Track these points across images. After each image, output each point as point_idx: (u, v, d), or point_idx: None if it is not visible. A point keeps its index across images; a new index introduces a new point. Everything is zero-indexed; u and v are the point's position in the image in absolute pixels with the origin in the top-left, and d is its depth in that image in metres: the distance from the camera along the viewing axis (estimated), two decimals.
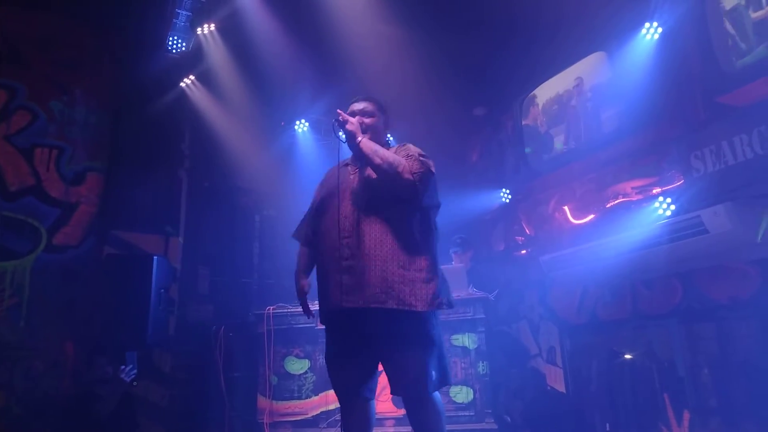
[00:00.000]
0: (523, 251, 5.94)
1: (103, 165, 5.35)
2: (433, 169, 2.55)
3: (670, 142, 4.43)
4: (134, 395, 4.51)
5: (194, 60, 5.74)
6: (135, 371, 4.09)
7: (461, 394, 4.16)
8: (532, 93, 5.92)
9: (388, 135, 2.81)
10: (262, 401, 4.50)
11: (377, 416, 4.21)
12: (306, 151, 6.65)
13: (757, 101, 3.81)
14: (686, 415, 4.09)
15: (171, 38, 5.51)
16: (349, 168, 2.69)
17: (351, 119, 2.56)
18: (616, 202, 4.75)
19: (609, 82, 5.03)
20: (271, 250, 6.30)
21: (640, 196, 4.56)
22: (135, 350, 4.38)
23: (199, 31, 5.56)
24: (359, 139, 2.51)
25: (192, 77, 5.86)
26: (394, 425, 4.20)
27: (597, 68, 5.20)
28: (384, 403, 4.27)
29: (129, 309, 4.36)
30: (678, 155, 4.33)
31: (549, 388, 5.13)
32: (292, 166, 6.55)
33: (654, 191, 4.46)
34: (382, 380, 4.27)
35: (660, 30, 4.49)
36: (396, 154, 2.56)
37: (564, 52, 5.32)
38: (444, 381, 2.51)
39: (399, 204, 2.48)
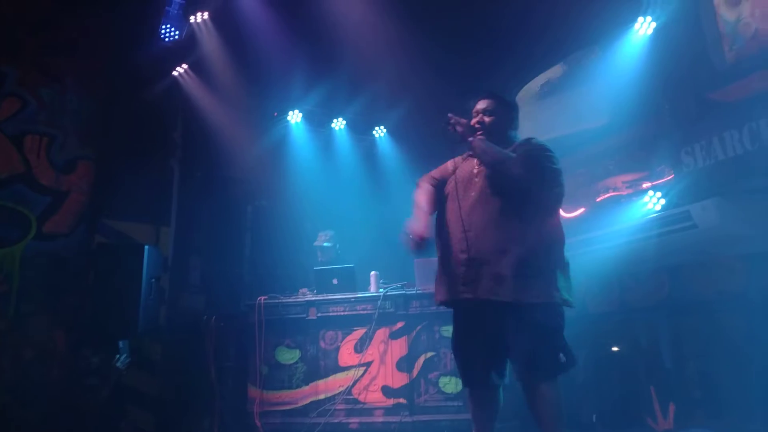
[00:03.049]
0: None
1: (95, 153, 5.32)
2: (553, 164, 2.57)
3: (660, 137, 4.46)
4: (123, 384, 4.51)
5: (187, 48, 5.70)
6: (129, 360, 4.10)
7: (450, 384, 4.19)
8: (526, 85, 5.93)
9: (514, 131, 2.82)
10: (253, 391, 4.52)
11: (366, 406, 4.28)
12: (299, 141, 6.66)
13: (748, 97, 3.84)
14: (672, 407, 4.14)
15: (164, 26, 5.47)
16: (474, 162, 2.73)
17: (461, 121, 2.65)
18: (607, 196, 4.78)
19: (601, 76, 5.04)
20: (263, 241, 6.30)
21: (630, 191, 4.59)
22: (126, 339, 4.39)
23: (192, 19, 5.53)
24: (470, 139, 2.60)
25: (185, 66, 5.82)
26: (384, 415, 4.23)
27: (589, 62, 5.21)
28: (374, 393, 4.30)
29: (119, 298, 4.35)
30: (669, 150, 4.36)
31: None
32: (284, 157, 6.55)
33: (644, 186, 4.49)
34: (372, 370, 4.34)
35: (653, 25, 4.51)
36: (517, 149, 2.60)
37: (557, 46, 5.32)
38: (566, 366, 2.48)
39: (520, 198, 2.52)
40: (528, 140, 2.69)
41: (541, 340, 2.43)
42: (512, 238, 2.48)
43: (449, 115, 2.65)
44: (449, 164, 2.88)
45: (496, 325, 2.49)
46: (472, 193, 2.63)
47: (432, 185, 2.82)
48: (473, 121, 2.75)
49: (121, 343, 4.14)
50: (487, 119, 2.73)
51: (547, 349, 2.43)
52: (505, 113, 2.79)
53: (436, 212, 2.79)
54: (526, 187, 2.50)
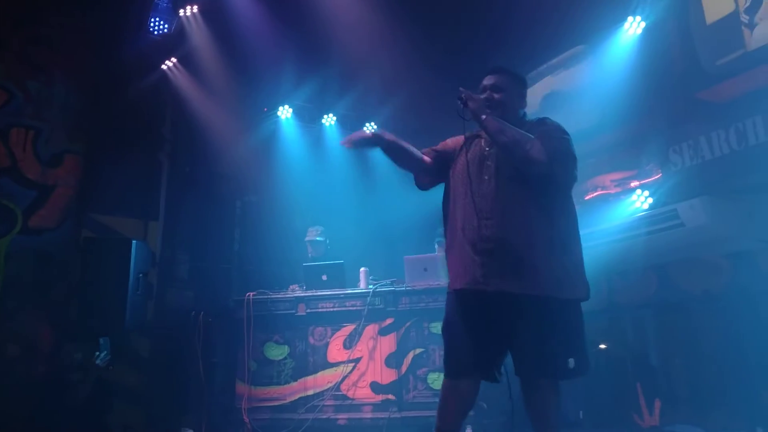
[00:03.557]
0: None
1: (82, 147, 5.27)
2: (571, 147, 2.39)
3: (649, 136, 4.48)
4: (108, 380, 4.48)
5: (176, 42, 5.66)
6: (109, 357, 4.05)
7: (438, 380, 4.19)
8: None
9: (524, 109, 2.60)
10: (241, 387, 4.50)
11: (355, 402, 4.28)
12: (289, 137, 6.62)
13: (735, 98, 3.87)
14: (657, 404, 4.18)
15: (153, 19, 5.42)
16: (483, 142, 2.52)
17: (474, 96, 2.40)
18: (595, 194, 4.81)
19: (590, 75, 5.06)
20: (251, 237, 6.28)
21: (618, 189, 4.62)
22: (109, 335, 4.35)
23: (181, 12, 5.49)
24: (483, 117, 2.34)
25: (174, 60, 5.78)
26: (372, 411, 4.24)
27: (578, 61, 5.23)
28: (362, 389, 4.31)
29: (106, 293, 4.33)
30: (657, 149, 4.39)
31: None
32: (274, 153, 6.52)
33: (632, 184, 4.52)
34: (361, 366, 4.34)
35: (642, 25, 4.53)
36: (532, 130, 2.37)
37: (546, 45, 5.33)
38: (582, 370, 2.30)
39: (538, 184, 2.31)
40: (543, 120, 2.49)
41: (561, 339, 2.25)
42: (539, 228, 2.30)
43: (461, 89, 2.40)
44: (450, 142, 2.66)
45: (511, 317, 2.30)
46: (486, 177, 2.41)
47: (430, 158, 2.60)
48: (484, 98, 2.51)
49: (101, 340, 4.08)
50: (496, 96, 2.49)
51: (564, 350, 2.25)
52: (516, 89, 2.57)
53: (444, 197, 2.59)
54: (546, 173, 2.28)
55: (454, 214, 2.48)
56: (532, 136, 2.32)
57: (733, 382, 3.80)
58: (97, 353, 4.02)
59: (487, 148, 2.48)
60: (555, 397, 2.30)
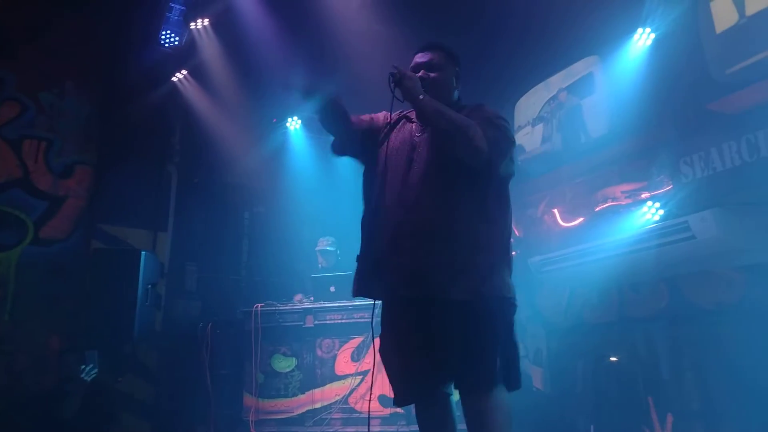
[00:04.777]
0: (513, 252, 5.94)
1: (93, 158, 5.31)
2: (511, 136, 2.19)
3: (659, 147, 4.46)
4: (104, 392, 4.45)
5: (187, 54, 5.71)
6: (96, 371, 4.00)
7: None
8: (524, 95, 5.94)
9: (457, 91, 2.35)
10: (248, 399, 4.49)
11: (363, 415, 4.24)
12: (298, 148, 6.63)
13: (746, 109, 3.84)
14: (669, 418, 4.12)
15: (164, 32, 5.48)
16: (414, 127, 2.27)
17: (409, 74, 2.12)
18: (606, 205, 4.78)
19: (600, 86, 5.06)
20: (260, 248, 6.28)
21: (629, 201, 4.58)
22: (117, 346, 4.35)
23: (192, 25, 5.54)
24: (420, 98, 2.07)
25: (184, 72, 5.83)
26: (381, 424, 4.20)
27: (589, 72, 5.22)
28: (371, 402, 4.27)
29: (116, 304, 4.34)
30: (667, 160, 4.36)
31: (535, 389, 5.15)
32: (283, 164, 6.53)
33: (643, 196, 4.48)
34: (369, 379, 4.30)
35: (653, 36, 4.52)
36: (471, 115, 2.14)
37: (556, 56, 5.34)
38: (510, 382, 2.04)
39: (473, 174, 2.08)
40: (481, 105, 2.24)
41: (491, 341, 2.01)
42: (467, 223, 2.06)
43: (394, 66, 2.10)
44: (381, 116, 2.37)
45: (440, 322, 2.04)
46: (415, 165, 2.15)
47: (357, 126, 2.31)
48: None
49: (87, 353, 4.02)
50: (432, 75, 2.23)
51: (493, 353, 2.00)
52: (452, 68, 2.31)
53: (363, 182, 2.33)
54: (486, 162, 2.04)
55: (373, 203, 2.22)
56: (473, 122, 2.07)
57: (747, 397, 3.73)
58: (83, 366, 3.97)
59: (417, 134, 2.23)
60: (497, 415, 1.98)
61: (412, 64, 2.30)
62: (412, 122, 2.29)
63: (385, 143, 2.25)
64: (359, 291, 2.23)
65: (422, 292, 2.05)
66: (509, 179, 2.23)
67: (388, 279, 2.11)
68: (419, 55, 2.31)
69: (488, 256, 2.09)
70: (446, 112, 2.08)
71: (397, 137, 2.27)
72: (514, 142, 2.20)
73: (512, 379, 2.05)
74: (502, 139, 2.12)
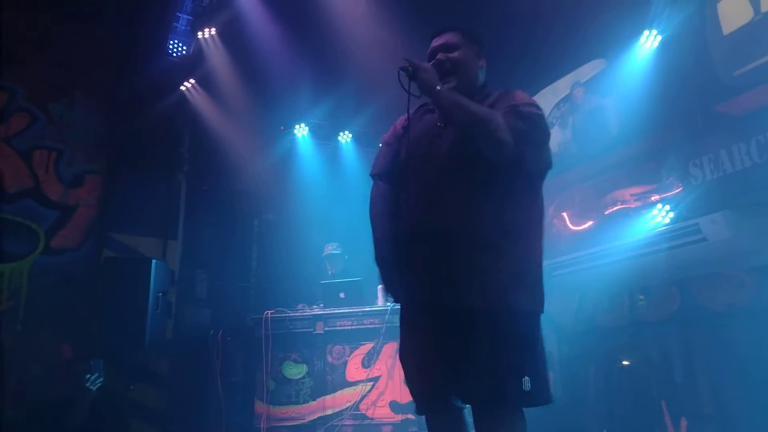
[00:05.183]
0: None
1: (103, 167, 5.35)
2: (544, 125, 1.97)
3: (668, 149, 4.44)
4: (115, 400, 4.46)
5: (195, 64, 5.76)
6: (101, 380, 4.00)
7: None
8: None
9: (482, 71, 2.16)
10: (260, 406, 4.49)
11: (374, 421, 4.24)
12: (305, 155, 6.67)
13: (755, 110, 3.83)
14: (683, 422, 4.09)
15: (172, 42, 5.52)
16: (436, 116, 2.09)
17: (424, 65, 1.97)
18: (615, 208, 4.76)
19: (608, 88, 5.05)
20: (269, 255, 6.29)
21: (638, 203, 4.57)
22: (129, 354, 4.36)
23: (200, 35, 5.58)
24: (438, 88, 1.91)
25: (192, 81, 5.87)
26: (392, 431, 4.19)
27: (587, 79, 5.22)
28: (382, 408, 4.27)
29: (127, 312, 4.36)
30: (677, 163, 4.34)
31: None
32: (291, 171, 6.56)
33: (653, 198, 4.47)
34: (380, 385, 4.30)
35: (659, 38, 4.52)
36: (497, 104, 1.97)
37: (563, 59, 5.34)
38: (539, 397, 1.86)
39: (499, 170, 1.89)
40: (509, 92, 2.02)
41: (516, 356, 1.84)
42: (491, 225, 1.88)
43: (406, 59, 1.95)
44: (398, 125, 2.22)
45: (453, 333, 1.88)
46: (436, 163, 1.98)
47: (385, 181, 2.17)
48: (438, 60, 2.07)
49: (93, 362, 4.01)
50: (450, 55, 2.05)
51: (517, 371, 1.82)
52: (473, 46, 2.12)
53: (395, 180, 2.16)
54: (513, 157, 1.86)
55: (401, 211, 2.07)
56: (497, 113, 1.89)
57: (761, 399, 3.70)
58: (88, 375, 3.97)
59: (439, 123, 2.05)
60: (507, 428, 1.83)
61: (429, 51, 2.14)
62: (434, 112, 2.11)
63: (406, 137, 2.11)
64: (386, 290, 2.14)
65: (435, 300, 1.91)
66: (543, 174, 2.01)
67: (405, 283, 2.00)
68: (435, 39, 2.13)
69: (514, 263, 1.87)
70: (465, 104, 1.90)
71: (417, 128, 2.11)
72: (547, 132, 1.98)
73: (542, 396, 1.86)
74: (531, 129, 1.90)
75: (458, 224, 1.90)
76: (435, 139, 2.03)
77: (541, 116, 1.96)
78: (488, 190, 1.91)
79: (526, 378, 1.81)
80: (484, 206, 1.90)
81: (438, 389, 1.92)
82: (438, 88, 1.92)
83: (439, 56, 2.06)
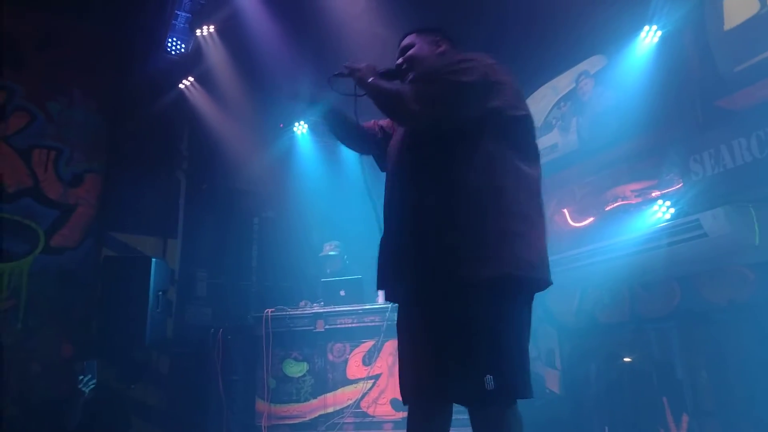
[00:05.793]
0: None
1: (102, 166, 5.34)
2: (459, 81, 1.82)
3: (669, 145, 4.43)
4: (116, 399, 4.45)
5: (193, 61, 5.73)
6: (94, 381, 3.98)
7: None
8: (531, 96, 5.92)
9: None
10: (261, 404, 4.49)
11: (375, 419, 4.24)
12: (305, 152, 6.65)
13: (755, 105, 3.82)
14: (685, 418, 4.08)
15: (170, 39, 5.50)
16: None
17: (356, 65, 2.03)
18: (616, 205, 4.75)
19: (608, 84, 5.04)
20: (269, 253, 6.28)
21: (639, 199, 4.56)
22: (130, 353, 4.35)
23: (198, 32, 5.56)
24: (368, 81, 1.96)
25: (191, 79, 5.85)
26: (393, 428, 4.19)
27: (596, 70, 5.20)
28: (383, 406, 4.27)
29: (127, 311, 4.36)
30: (677, 158, 4.33)
31: (547, 391, 5.12)
32: (291, 168, 6.54)
33: (653, 194, 4.46)
34: (380, 383, 4.30)
35: (659, 33, 4.50)
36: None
37: (562, 55, 5.32)
38: (509, 391, 1.70)
39: (441, 143, 1.84)
40: (442, 56, 2.11)
41: (481, 348, 1.68)
42: (436, 199, 1.80)
43: (344, 65, 2.05)
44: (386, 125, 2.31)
45: (425, 324, 1.83)
46: (399, 153, 2.03)
47: (375, 132, 2.26)
48: (396, 64, 2.16)
49: (86, 364, 3.97)
50: (407, 53, 2.13)
51: (482, 366, 1.67)
52: (426, 37, 2.17)
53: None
54: (429, 123, 1.84)
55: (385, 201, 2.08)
56: (408, 86, 1.94)
57: (762, 395, 3.70)
58: (81, 377, 3.94)
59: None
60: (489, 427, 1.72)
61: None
62: None
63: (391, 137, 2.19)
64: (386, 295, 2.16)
65: (403, 292, 1.93)
66: (483, 121, 1.84)
67: (389, 281, 1.99)
68: (398, 52, 2.23)
69: (469, 232, 1.72)
70: (382, 86, 1.93)
71: (399, 129, 2.14)
72: (462, 88, 1.82)
73: (515, 391, 1.71)
74: (438, 89, 1.82)
75: (407, 212, 1.89)
76: (397, 140, 2.09)
77: (462, 72, 1.83)
78: (434, 167, 1.85)
79: (489, 377, 1.64)
80: (429, 184, 1.84)
81: (419, 384, 1.86)
82: (369, 80, 1.95)
83: (398, 61, 2.17)
